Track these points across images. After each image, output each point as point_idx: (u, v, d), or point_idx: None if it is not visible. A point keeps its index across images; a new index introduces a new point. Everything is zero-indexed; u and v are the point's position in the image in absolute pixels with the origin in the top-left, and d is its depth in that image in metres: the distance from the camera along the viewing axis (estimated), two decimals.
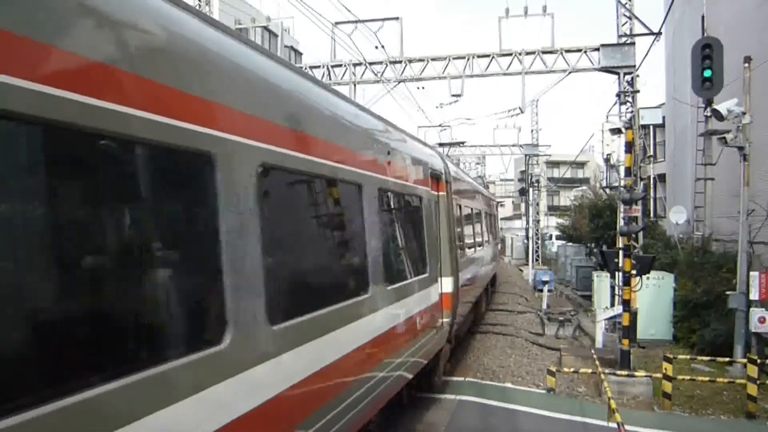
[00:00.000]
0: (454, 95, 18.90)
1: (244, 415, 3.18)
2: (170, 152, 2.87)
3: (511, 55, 18.08)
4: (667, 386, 9.60)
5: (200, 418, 2.88)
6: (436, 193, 8.62)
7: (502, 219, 49.13)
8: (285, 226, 4.10)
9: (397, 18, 18.67)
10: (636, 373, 10.20)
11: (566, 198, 50.75)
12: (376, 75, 19.05)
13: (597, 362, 10.51)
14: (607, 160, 17.52)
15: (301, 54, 34.02)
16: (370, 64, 18.76)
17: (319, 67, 19.32)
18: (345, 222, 5.20)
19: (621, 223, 12.28)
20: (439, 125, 33.65)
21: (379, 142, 6.21)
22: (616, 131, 15.31)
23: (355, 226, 5.28)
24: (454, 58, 18.52)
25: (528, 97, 19.48)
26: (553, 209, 56.32)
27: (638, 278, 10.71)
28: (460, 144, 14.78)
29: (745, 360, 9.89)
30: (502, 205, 53.69)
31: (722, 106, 11.79)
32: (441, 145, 16.55)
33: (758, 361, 9.43)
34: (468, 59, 18.37)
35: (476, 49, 26.55)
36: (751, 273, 11.05)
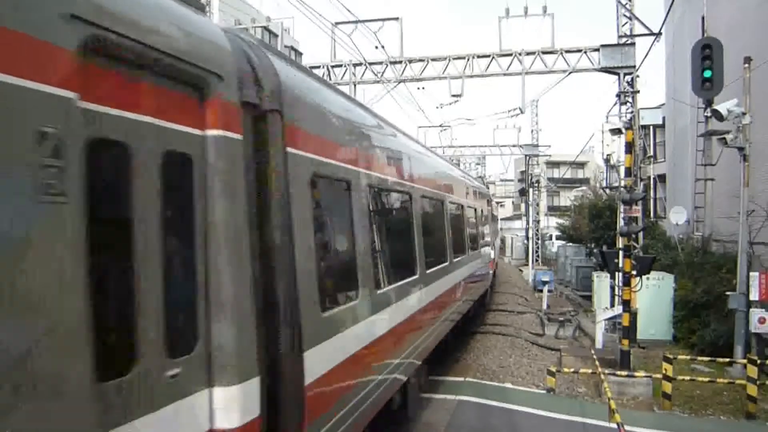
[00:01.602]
0: (454, 95, 18.89)
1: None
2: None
3: (511, 55, 18.07)
4: (667, 387, 9.59)
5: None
6: (489, 208, 14.14)
7: (502, 219, 49.29)
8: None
9: (397, 18, 18.65)
10: (636, 374, 10.21)
11: (566, 198, 50.73)
12: (376, 75, 19.04)
13: (597, 362, 10.52)
14: (607, 161, 17.52)
15: (301, 54, 34.01)
16: (370, 64, 18.75)
17: (319, 67, 19.32)
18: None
19: (621, 223, 12.28)
20: (440, 125, 33.69)
21: (483, 194, 10.85)
22: (616, 131, 15.31)
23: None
24: (454, 59, 18.52)
25: (528, 97, 19.50)
26: (553, 209, 56.28)
27: (638, 278, 10.71)
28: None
29: (745, 360, 9.88)
30: (502, 205, 53.74)
31: (722, 107, 11.79)
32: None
33: (758, 361, 9.43)
34: (468, 59, 18.37)
35: (476, 49, 26.47)
36: (751, 273, 11.05)
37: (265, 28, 23.40)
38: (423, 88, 23.31)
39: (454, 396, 9.54)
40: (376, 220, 5.94)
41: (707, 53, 11.98)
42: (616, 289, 13.20)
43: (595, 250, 24.13)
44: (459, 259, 10.86)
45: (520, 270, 38.29)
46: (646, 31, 16.63)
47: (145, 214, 2.62)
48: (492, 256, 18.65)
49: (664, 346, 13.66)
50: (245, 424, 3.02)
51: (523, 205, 44.47)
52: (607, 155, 16.87)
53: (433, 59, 18.79)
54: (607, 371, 10.02)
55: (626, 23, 16.87)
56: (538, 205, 40.50)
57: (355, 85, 19.05)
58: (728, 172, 14.86)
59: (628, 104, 16.83)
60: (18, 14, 2.01)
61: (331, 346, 4.25)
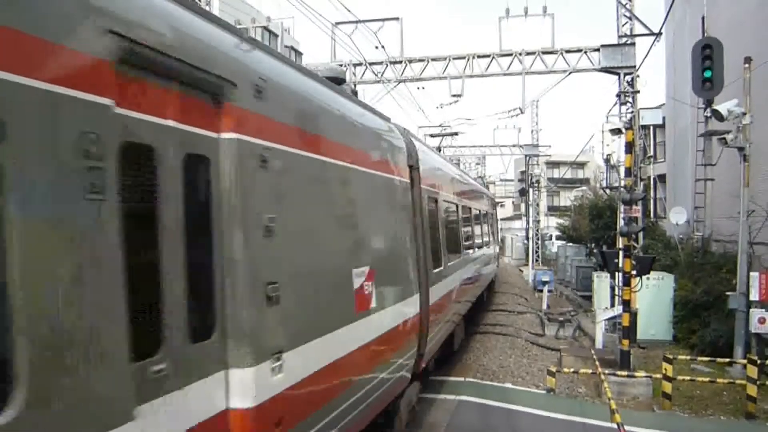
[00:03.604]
0: (454, 95, 18.90)
1: None
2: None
3: (511, 55, 18.08)
4: (667, 387, 9.60)
5: None
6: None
7: (501, 219, 48.96)
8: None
9: (397, 18, 18.66)
10: (636, 374, 10.21)
11: (566, 198, 50.72)
12: (376, 75, 19.05)
13: (597, 363, 10.52)
14: (607, 161, 17.52)
15: (301, 54, 34.01)
16: (371, 64, 18.76)
17: None
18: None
19: (621, 223, 12.27)
20: (440, 125, 33.68)
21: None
22: (616, 132, 15.30)
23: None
24: (454, 58, 18.52)
25: (528, 97, 19.58)
26: (553, 209, 56.24)
27: (638, 279, 10.71)
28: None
29: (745, 361, 9.89)
30: (502, 205, 53.60)
31: (722, 107, 11.78)
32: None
33: (758, 361, 9.43)
34: (468, 59, 18.37)
35: (476, 49, 26.48)
36: (751, 273, 11.04)
37: (265, 28, 23.41)
38: (423, 88, 23.36)
39: (455, 396, 9.54)
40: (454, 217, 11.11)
41: (707, 53, 11.97)
42: (616, 289, 13.20)
43: (595, 250, 24.15)
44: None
45: (520, 270, 38.29)
46: (646, 31, 16.64)
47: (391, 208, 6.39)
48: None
49: (664, 347, 13.66)
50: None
51: (523, 205, 44.45)
52: (607, 155, 16.88)
53: (433, 59, 18.79)
54: (607, 371, 10.02)
55: (626, 23, 16.87)
56: (538, 205, 40.48)
57: (355, 85, 19.04)
58: (728, 172, 14.85)
59: (628, 104, 16.83)
60: None
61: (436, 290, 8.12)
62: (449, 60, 18.56)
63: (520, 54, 17.91)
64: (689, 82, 13.33)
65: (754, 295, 10.86)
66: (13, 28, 2.02)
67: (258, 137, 3.47)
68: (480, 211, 16.12)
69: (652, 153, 27.79)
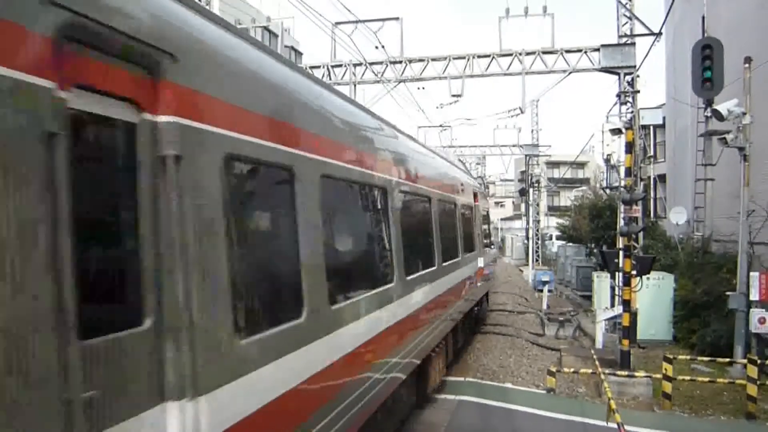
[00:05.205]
0: (454, 95, 18.89)
1: None
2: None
3: (511, 55, 18.07)
4: (667, 387, 9.60)
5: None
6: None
7: (502, 219, 49.08)
8: None
9: (397, 18, 18.66)
10: (636, 374, 10.21)
11: (566, 198, 50.72)
12: (376, 75, 19.04)
13: (597, 362, 10.51)
14: (607, 161, 17.53)
15: (301, 54, 33.98)
16: (371, 64, 18.76)
17: (319, 67, 19.32)
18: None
19: (621, 223, 12.28)
20: (440, 125, 33.71)
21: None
22: (616, 131, 15.30)
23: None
24: (454, 58, 18.52)
25: (528, 97, 19.56)
26: (553, 209, 56.25)
27: (638, 279, 10.71)
28: None
29: (745, 361, 9.88)
30: (502, 205, 53.65)
31: (722, 107, 11.78)
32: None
33: (758, 361, 9.43)
34: (468, 59, 18.37)
35: (476, 49, 26.56)
36: (751, 273, 11.04)
37: (265, 28, 23.39)
38: (423, 88, 23.43)
39: (455, 396, 9.55)
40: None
41: (707, 53, 11.97)
42: (616, 289, 13.20)
43: (595, 250, 24.13)
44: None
45: (520, 270, 38.29)
46: (647, 31, 16.63)
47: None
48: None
49: (664, 346, 13.66)
50: None
51: (523, 205, 44.46)
52: (607, 155, 16.88)
53: (433, 59, 18.79)
54: (607, 371, 10.02)
55: (626, 23, 16.86)
56: (538, 205, 40.50)
57: (355, 85, 19.06)
58: (728, 172, 14.85)
59: (629, 104, 16.82)
60: None
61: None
62: (449, 60, 18.56)
63: (520, 54, 17.91)
64: (689, 82, 13.33)
65: (754, 295, 10.86)
66: None
67: None
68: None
69: (652, 153, 27.78)
